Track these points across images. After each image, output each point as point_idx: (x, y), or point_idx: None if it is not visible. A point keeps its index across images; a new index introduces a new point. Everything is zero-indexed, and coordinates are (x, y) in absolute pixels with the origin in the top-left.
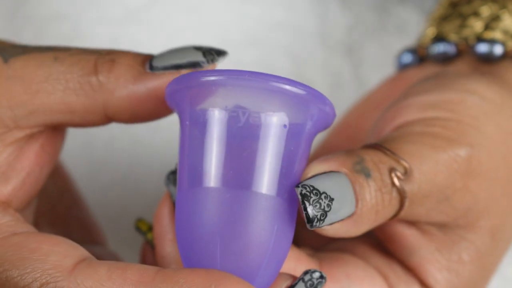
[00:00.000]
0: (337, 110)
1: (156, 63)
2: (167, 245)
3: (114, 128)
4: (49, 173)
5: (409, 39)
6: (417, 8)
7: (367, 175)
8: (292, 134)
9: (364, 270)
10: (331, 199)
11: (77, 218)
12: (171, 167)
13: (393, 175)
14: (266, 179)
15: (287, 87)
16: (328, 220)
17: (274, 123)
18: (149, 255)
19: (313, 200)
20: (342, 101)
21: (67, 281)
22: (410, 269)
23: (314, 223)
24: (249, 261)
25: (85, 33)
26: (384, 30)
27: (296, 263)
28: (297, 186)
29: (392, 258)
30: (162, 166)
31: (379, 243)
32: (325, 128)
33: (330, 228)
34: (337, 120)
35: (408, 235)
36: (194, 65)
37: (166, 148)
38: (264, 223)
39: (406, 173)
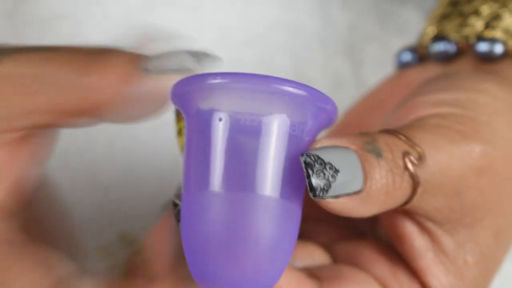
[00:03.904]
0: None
1: (148, 66)
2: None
3: (115, 127)
4: (38, 177)
5: (410, 40)
6: (418, 8)
7: (378, 155)
8: (294, 134)
9: (365, 286)
10: (336, 171)
11: (56, 233)
12: (171, 166)
13: (406, 159)
14: (269, 181)
15: (288, 88)
16: (332, 191)
17: (275, 125)
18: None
19: (317, 170)
20: (342, 101)
21: None
22: (415, 271)
23: (318, 193)
24: (253, 262)
25: (86, 32)
26: (384, 30)
27: (298, 285)
28: (301, 155)
29: (398, 263)
30: (162, 165)
31: (387, 245)
32: (328, 125)
33: (336, 202)
34: (338, 119)
35: (417, 236)
36: (186, 71)
37: (166, 147)
38: (268, 225)
39: (420, 159)
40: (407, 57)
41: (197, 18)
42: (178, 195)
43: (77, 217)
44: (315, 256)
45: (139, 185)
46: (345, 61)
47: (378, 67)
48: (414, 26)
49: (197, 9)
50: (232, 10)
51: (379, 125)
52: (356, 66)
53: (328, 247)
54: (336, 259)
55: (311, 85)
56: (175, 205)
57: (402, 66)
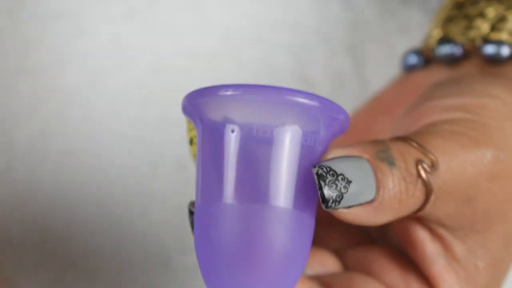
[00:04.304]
0: None
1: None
2: None
3: (117, 125)
4: None
5: (412, 39)
6: (420, 7)
7: (391, 163)
8: (307, 145)
9: None
10: (349, 181)
11: None
12: (178, 166)
13: (419, 167)
14: (282, 192)
15: (301, 99)
16: (344, 202)
17: (288, 136)
18: None
19: (329, 181)
20: (344, 100)
21: None
22: (427, 278)
23: (330, 204)
24: (267, 273)
25: (88, 31)
26: (386, 29)
27: None
28: (314, 167)
29: (409, 270)
30: (168, 166)
31: (398, 251)
32: (340, 134)
33: (349, 212)
34: None
35: (429, 242)
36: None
37: (173, 147)
38: (282, 236)
39: (433, 166)
40: (413, 59)
41: (199, 16)
42: (194, 203)
43: (78, 218)
44: (327, 263)
45: (144, 184)
46: (346, 60)
47: (380, 66)
48: (416, 25)
49: (199, 9)
50: (233, 9)
51: (386, 130)
52: (358, 65)
53: (338, 253)
54: (347, 266)
55: (313, 85)
56: (191, 212)
57: (408, 69)
